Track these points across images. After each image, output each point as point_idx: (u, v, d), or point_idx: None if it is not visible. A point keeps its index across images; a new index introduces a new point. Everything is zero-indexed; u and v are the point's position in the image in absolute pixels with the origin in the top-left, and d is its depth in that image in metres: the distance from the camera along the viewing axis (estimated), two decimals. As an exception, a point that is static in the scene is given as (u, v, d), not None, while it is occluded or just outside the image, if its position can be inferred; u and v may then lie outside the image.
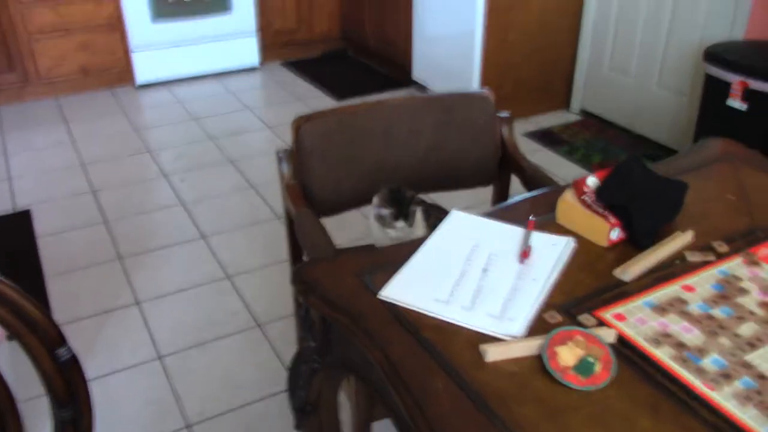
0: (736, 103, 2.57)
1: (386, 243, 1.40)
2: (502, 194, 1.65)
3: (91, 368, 1.97)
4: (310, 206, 1.42)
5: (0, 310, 0.79)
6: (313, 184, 1.47)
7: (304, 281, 0.99)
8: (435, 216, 1.45)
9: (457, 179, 1.63)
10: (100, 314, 2.19)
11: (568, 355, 0.83)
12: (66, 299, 2.26)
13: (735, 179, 1.26)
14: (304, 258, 1.48)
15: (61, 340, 0.84)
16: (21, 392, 1.77)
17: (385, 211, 1.38)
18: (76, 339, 2.08)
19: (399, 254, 1.05)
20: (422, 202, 1.43)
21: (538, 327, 0.89)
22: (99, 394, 1.87)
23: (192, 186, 3.00)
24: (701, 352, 0.86)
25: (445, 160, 1.58)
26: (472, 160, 1.59)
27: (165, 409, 1.83)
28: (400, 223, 1.37)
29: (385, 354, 0.85)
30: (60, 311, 2.21)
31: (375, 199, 1.39)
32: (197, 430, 1.77)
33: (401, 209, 1.37)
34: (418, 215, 1.42)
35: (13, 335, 0.81)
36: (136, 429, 1.77)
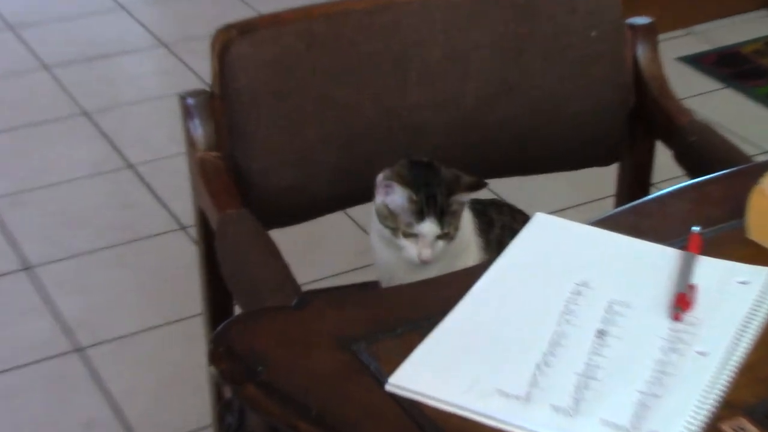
0: None
1: (399, 274, 1.41)
2: (636, 181, 1.69)
3: None
4: (248, 205, 1.43)
5: None
6: (255, 160, 1.48)
7: (234, 355, 0.98)
8: (502, 225, 1.45)
9: (546, 153, 1.62)
10: None
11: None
12: None
13: None
14: (236, 309, 1.47)
15: None
16: None
17: (400, 193, 1.36)
18: None
19: (426, 300, 1.04)
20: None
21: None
22: None
23: (6, 163, 3.00)
24: None
25: (519, 113, 1.56)
26: (574, 113, 1.59)
27: None
28: (429, 226, 1.35)
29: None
30: None
31: (380, 176, 1.40)
32: None
33: (430, 196, 1.35)
34: (467, 220, 1.40)
35: None
36: None
